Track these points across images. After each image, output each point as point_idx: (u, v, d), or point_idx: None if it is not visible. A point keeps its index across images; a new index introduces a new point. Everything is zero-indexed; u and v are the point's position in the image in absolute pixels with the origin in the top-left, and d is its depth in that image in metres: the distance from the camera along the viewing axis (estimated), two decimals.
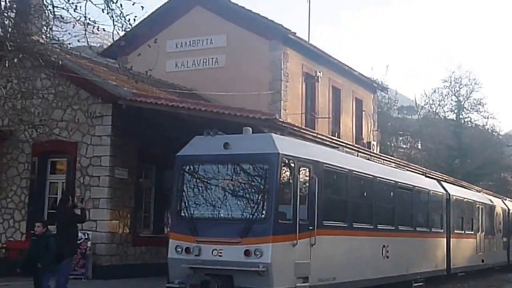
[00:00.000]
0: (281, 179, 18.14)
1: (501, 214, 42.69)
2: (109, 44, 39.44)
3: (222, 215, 18.58)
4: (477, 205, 37.52)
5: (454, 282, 32.19)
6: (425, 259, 28.77)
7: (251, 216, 17.95)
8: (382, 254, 23.84)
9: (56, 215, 21.28)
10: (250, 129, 19.73)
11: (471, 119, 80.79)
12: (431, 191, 30.35)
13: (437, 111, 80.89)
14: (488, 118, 79.84)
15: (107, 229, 25.61)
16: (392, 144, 73.26)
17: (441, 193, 31.65)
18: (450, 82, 79.16)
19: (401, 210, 26.20)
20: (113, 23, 19.97)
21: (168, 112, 24.88)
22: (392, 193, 25.56)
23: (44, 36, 21.84)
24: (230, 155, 18.52)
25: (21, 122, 25.61)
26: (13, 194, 27.60)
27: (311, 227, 18.82)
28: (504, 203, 45.57)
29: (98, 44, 45.72)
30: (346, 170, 21.86)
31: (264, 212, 17.88)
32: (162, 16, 34.51)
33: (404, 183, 27.03)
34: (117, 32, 20.56)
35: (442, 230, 30.72)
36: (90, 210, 25.55)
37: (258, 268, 17.15)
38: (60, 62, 22.16)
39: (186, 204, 19.05)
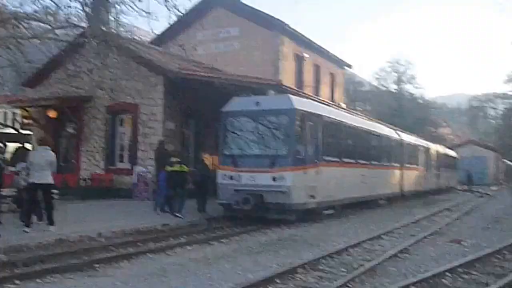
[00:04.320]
0: (296, 127, 18.47)
1: (434, 154, 42.96)
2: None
3: (255, 152, 18.89)
4: (419, 147, 37.78)
5: (405, 200, 32.33)
6: (388, 185, 29.02)
7: (276, 153, 18.34)
8: (361, 180, 24.03)
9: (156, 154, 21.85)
10: (272, 91, 20.00)
11: (406, 89, 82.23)
12: (391, 137, 30.59)
13: (382, 83, 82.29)
14: (418, 88, 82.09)
15: None
16: (351, 108, 73.98)
17: (398, 138, 31.85)
18: (392, 62, 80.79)
19: (373, 150, 26.50)
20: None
21: (203, 81, 24.76)
22: (367, 138, 25.69)
23: (115, 25, 21.75)
24: (260, 110, 18.95)
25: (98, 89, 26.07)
26: (94, 141, 27.65)
27: (316, 161, 19.26)
28: (436, 146, 45.88)
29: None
30: (338, 121, 22.23)
31: (285, 150, 18.30)
32: (192, 14, 34.14)
33: (375, 131, 27.34)
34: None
35: (398, 164, 30.85)
36: (149, 151, 25.66)
37: (281, 189, 17.76)
38: (127, 46, 22.25)
39: (230, 145, 19.44)
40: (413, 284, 9.53)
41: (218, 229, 17.50)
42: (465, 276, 10.65)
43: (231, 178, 18.70)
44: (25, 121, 31.10)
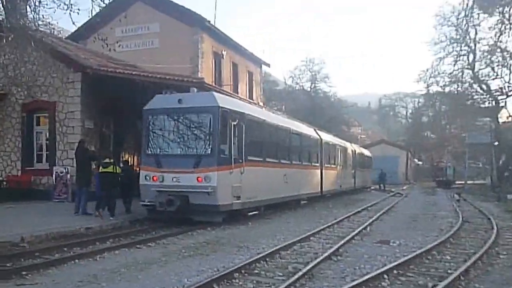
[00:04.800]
0: (221, 125, 18.24)
1: (351, 154, 43.60)
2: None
3: (179, 152, 18.61)
4: (337, 147, 38.19)
5: (325, 199, 32.81)
6: (308, 185, 29.16)
7: (200, 152, 18.14)
8: (284, 180, 24.09)
9: (76, 155, 20.97)
10: (195, 89, 19.79)
11: (320, 88, 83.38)
12: (311, 136, 30.78)
13: (297, 82, 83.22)
14: (331, 87, 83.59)
15: None
16: (267, 106, 74.63)
17: (317, 138, 32.10)
18: (307, 62, 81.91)
19: (293, 149, 26.46)
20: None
21: (123, 78, 24.18)
22: (288, 137, 25.69)
23: (32, 18, 20.95)
24: (183, 108, 18.65)
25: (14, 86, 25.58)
26: (9, 141, 26.77)
27: (240, 161, 19.15)
28: (352, 146, 46.58)
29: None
30: (261, 119, 22.20)
31: (210, 149, 18.10)
32: (111, 9, 33.37)
33: (296, 130, 27.42)
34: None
35: (318, 164, 31.14)
36: (68, 151, 25.11)
37: (207, 190, 17.53)
38: (45, 40, 21.50)
39: (152, 145, 19.06)
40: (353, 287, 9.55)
41: (143, 232, 17.15)
42: (402, 278, 10.72)
43: (154, 178, 18.34)
44: None
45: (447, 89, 60.03)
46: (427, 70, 59.75)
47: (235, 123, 18.87)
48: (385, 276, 10.68)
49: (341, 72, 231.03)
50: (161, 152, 18.74)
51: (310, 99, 78.98)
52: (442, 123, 76.36)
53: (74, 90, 25.36)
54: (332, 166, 35.76)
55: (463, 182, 63.54)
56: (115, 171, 19.61)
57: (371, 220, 21.36)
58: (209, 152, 18.02)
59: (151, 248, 14.31)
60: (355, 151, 46.45)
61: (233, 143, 18.71)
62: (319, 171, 31.27)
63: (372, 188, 54.14)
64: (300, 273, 10.47)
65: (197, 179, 17.70)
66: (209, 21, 35.30)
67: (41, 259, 12.25)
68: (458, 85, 58.37)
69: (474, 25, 54.77)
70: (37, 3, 20.61)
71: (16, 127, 26.72)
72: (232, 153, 18.55)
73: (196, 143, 18.41)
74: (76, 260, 12.16)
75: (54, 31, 22.31)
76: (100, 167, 19.75)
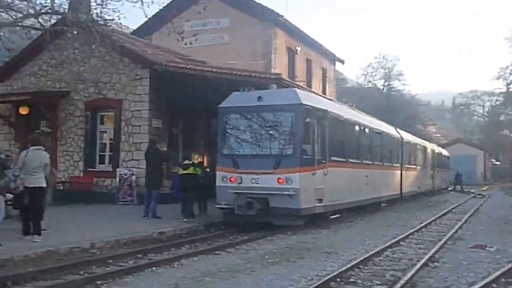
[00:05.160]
0: (304, 123, 17.48)
1: (430, 153, 42.28)
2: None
3: (258, 152, 17.83)
4: (417, 146, 37.06)
5: (404, 201, 31.88)
6: (389, 186, 28.18)
7: (281, 153, 17.33)
8: (365, 182, 23.16)
9: (147, 155, 20.36)
10: (275, 85, 18.96)
11: (394, 85, 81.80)
12: (392, 135, 29.77)
13: (369, 80, 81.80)
14: (405, 85, 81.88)
15: None
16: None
17: (398, 137, 31.05)
18: (380, 58, 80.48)
19: (375, 149, 25.46)
20: None
21: (194, 75, 23.38)
22: (370, 136, 24.74)
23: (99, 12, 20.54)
24: (264, 106, 17.83)
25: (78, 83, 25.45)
26: (71, 140, 26.23)
27: (323, 161, 18.29)
28: (431, 145, 45.25)
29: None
30: (343, 117, 21.39)
31: (292, 149, 17.30)
32: (179, 3, 32.96)
33: (377, 128, 26.43)
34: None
35: (398, 164, 30.04)
36: (134, 152, 24.61)
37: (289, 192, 16.69)
38: (114, 36, 21.09)
39: (229, 144, 18.33)
40: None
41: (219, 237, 16.53)
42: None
43: (231, 180, 17.63)
44: None
45: None
46: (507, 67, 57.78)
47: (317, 121, 18.07)
48: (494, 285, 10.00)
49: (413, 69, 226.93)
50: (239, 152, 18.01)
51: (384, 97, 77.37)
52: None
53: (142, 87, 24.72)
54: (412, 166, 34.67)
55: None
56: (196, 173, 19.27)
57: (460, 224, 20.51)
58: (291, 152, 17.21)
59: (231, 254, 13.67)
60: (433, 150, 45.09)
61: (316, 143, 17.91)
62: (399, 171, 30.17)
63: (449, 189, 52.48)
64: (402, 282, 9.78)
65: (278, 180, 16.90)
66: (282, 16, 34.33)
67: (115, 267, 11.68)
68: None
69: None
70: None
71: (79, 126, 26.22)
72: (315, 153, 17.73)
73: (277, 142, 17.62)
74: (153, 268, 11.52)
75: (121, 26, 21.88)
76: (180, 169, 19.51)
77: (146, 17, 22.62)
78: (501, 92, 74.64)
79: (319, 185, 17.83)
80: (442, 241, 15.35)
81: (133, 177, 23.90)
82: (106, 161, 25.89)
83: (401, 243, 15.44)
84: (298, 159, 17.05)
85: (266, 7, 34.03)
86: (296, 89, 19.09)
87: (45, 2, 20.19)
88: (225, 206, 17.63)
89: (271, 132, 17.76)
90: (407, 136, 34.35)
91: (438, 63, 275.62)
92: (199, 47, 33.57)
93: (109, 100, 25.45)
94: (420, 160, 37.55)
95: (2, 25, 20.08)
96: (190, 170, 19.22)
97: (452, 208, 28.53)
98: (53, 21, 21.86)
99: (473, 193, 46.45)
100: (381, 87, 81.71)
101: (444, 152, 54.68)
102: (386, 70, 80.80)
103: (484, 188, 57.69)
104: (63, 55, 24.82)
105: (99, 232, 15.10)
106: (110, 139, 25.87)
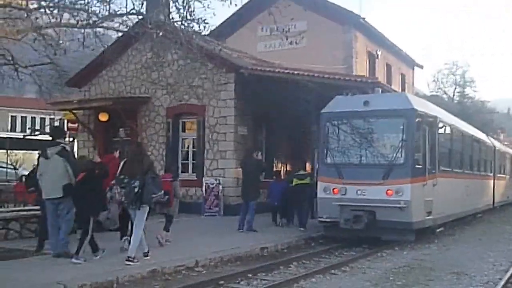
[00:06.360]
0: (416, 130, 16.13)
1: None
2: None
3: (364, 161, 16.55)
4: (506, 155, 35.35)
5: (497, 212, 30.40)
6: (484, 196, 26.71)
7: (391, 162, 15.88)
8: (466, 192, 21.78)
9: (244, 165, 19.33)
10: (380, 89, 17.75)
11: (465, 92, 79.85)
12: (487, 142, 28.24)
13: (439, 86, 79.92)
14: (475, 92, 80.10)
15: (233, 175, 23.20)
16: None
17: (491, 145, 29.50)
18: (450, 65, 79.07)
19: (474, 158, 23.93)
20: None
21: (281, 79, 22.32)
22: (470, 144, 23.28)
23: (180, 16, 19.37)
24: (372, 111, 16.43)
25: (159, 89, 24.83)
26: (152, 148, 25.24)
27: (433, 171, 16.93)
28: None
29: None
30: (451, 124, 20.19)
31: (403, 158, 15.86)
32: (253, 6, 32.00)
33: (476, 136, 24.95)
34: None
35: (491, 174, 28.43)
36: (219, 160, 23.60)
37: (399, 204, 15.31)
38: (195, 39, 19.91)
39: (333, 153, 16.97)
40: None
41: (325, 253, 15.33)
42: None
43: (335, 191, 16.33)
44: (71, 125, 28.91)
45: None
46: None
47: (428, 128, 16.74)
48: None
49: (480, 76, 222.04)
50: (343, 161, 16.68)
51: (456, 104, 75.29)
52: None
53: (227, 92, 23.68)
54: (503, 175, 32.93)
55: None
56: (308, 183, 18.54)
57: None
58: (402, 161, 15.80)
59: (348, 273, 12.46)
60: None
61: (427, 151, 16.57)
62: (492, 181, 28.49)
63: None
64: None
65: (387, 192, 15.54)
66: (363, 18, 33.10)
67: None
68: None
69: None
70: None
71: (161, 133, 25.32)
72: (427, 162, 16.40)
73: (386, 151, 16.26)
74: None
75: (206, 28, 20.64)
76: (294, 180, 18.76)
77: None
78: None
79: (428, 197, 16.48)
80: None
81: (220, 187, 22.93)
82: (189, 169, 24.86)
83: None
84: (410, 169, 15.69)
85: (345, 9, 32.96)
86: (406, 93, 17.79)
87: (120, 4, 19.13)
88: (327, 220, 16.37)
89: (379, 139, 16.51)
90: (498, 144, 32.78)
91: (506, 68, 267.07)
92: (274, 51, 32.83)
93: (191, 106, 24.41)
94: (509, 169, 35.75)
95: (80, 27, 19.16)
96: (307, 180, 18.63)
97: None
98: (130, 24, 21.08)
99: None
100: (451, 94, 79.70)
101: None
102: (457, 77, 78.84)
103: None
104: (142, 60, 24.16)
105: (200, 248, 14.09)
106: (193, 147, 24.90)
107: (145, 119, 25.80)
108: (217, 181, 23.08)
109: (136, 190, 11.69)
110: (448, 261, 13.86)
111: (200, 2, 18.77)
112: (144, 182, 11.74)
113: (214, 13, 21.32)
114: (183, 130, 25.55)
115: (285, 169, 26.69)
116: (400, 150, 15.93)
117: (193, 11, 17.83)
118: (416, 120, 16.12)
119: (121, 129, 25.87)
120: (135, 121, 25.89)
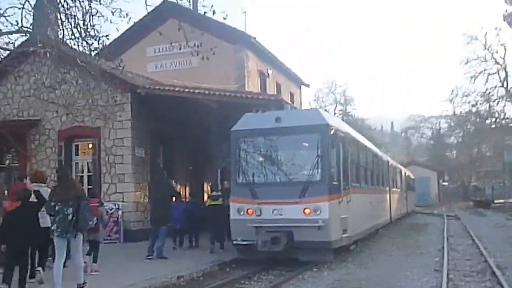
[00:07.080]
0: (330, 146, 15.48)
1: (403, 175, 40.84)
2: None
3: (279, 179, 15.78)
4: (397, 169, 35.66)
5: (394, 226, 30.34)
6: (383, 211, 26.31)
7: (308, 179, 15.17)
8: (372, 208, 21.59)
9: (153, 186, 18.48)
10: (289, 106, 17.12)
11: (345, 110, 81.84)
12: (383, 157, 28.11)
13: (320, 105, 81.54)
14: (354, 110, 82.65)
15: (133, 199, 22.23)
16: None
17: (386, 160, 29.48)
18: (329, 84, 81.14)
19: (375, 173, 23.65)
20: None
21: (180, 98, 21.59)
22: (372, 159, 23.03)
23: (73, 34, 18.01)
24: (284, 127, 15.79)
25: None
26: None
27: (347, 187, 16.33)
28: (404, 169, 44.19)
29: None
30: (357, 139, 19.93)
31: (319, 175, 15.21)
32: (141, 27, 30.87)
33: (375, 151, 24.86)
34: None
35: (387, 188, 28.31)
36: (117, 184, 22.40)
37: (317, 223, 14.63)
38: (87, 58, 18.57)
39: (245, 172, 16.09)
40: None
41: (245, 278, 14.32)
42: None
43: (249, 212, 15.43)
44: None
45: (474, 109, 62.02)
46: (455, 89, 60.16)
47: (342, 144, 16.20)
48: None
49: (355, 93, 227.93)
50: (257, 180, 15.87)
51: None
52: (473, 142, 74.14)
53: (123, 113, 22.56)
54: (397, 189, 33.21)
55: (502, 201, 60.73)
56: (221, 204, 17.79)
57: (475, 247, 19.85)
58: (318, 178, 15.14)
59: None
60: (405, 173, 43.78)
61: (341, 167, 15.97)
62: (388, 195, 28.42)
63: (417, 211, 51.46)
64: None
65: (304, 211, 14.82)
66: (254, 38, 32.66)
67: None
68: (490, 104, 59.68)
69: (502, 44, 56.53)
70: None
71: (52, 157, 23.78)
72: (342, 178, 15.82)
73: (302, 168, 15.60)
74: None
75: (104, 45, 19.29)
76: (209, 200, 18.36)
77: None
78: (447, 115, 76.43)
79: (344, 214, 15.88)
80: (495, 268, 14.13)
81: (119, 212, 21.72)
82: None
83: (449, 275, 13.69)
84: (327, 185, 15.05)
85: (236, 29, 32.50)
86: (319, 108, 17.29)
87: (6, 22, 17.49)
88: (242, 242, 15.43)
89: (294, 156, 15.86)
90: (389, 159, 32.94)
91: (378, 87, 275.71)
92: (166, 71, 32.02)
93: (85, 128, 23.18)
94: (399, 183, 36.11)
95: None
96: (219, 201, 17.97)
97: (445, 230, 27.21)
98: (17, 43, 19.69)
99: (441, 214, 45.30)
100: (333, 113, 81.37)
101: (410, 174, 53.62)
102: (336, 95, 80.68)
103: (443, 209, 56.85)
104: (30, 80, 22.88)
105: (113, 280, 12.93)
106: (88, 171, 23.58)
107: (35, 143, 24.21)
108: (116, 206, 21.91)
109: (70, 217, 10.64)
110: (374, 281, 13.28)
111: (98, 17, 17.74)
112: (78, 208, 10.70)
113: (117, 29, 20.36)
114: (77, 154, 24.10)
115: (184, 191, 25.76)
116: (316, 166, 15.29)
117: (93, 26, 16.74)
118: (331, 135, 15.56)
119: (8, 156, 24.27)
120: (24, 146, 24.12)
